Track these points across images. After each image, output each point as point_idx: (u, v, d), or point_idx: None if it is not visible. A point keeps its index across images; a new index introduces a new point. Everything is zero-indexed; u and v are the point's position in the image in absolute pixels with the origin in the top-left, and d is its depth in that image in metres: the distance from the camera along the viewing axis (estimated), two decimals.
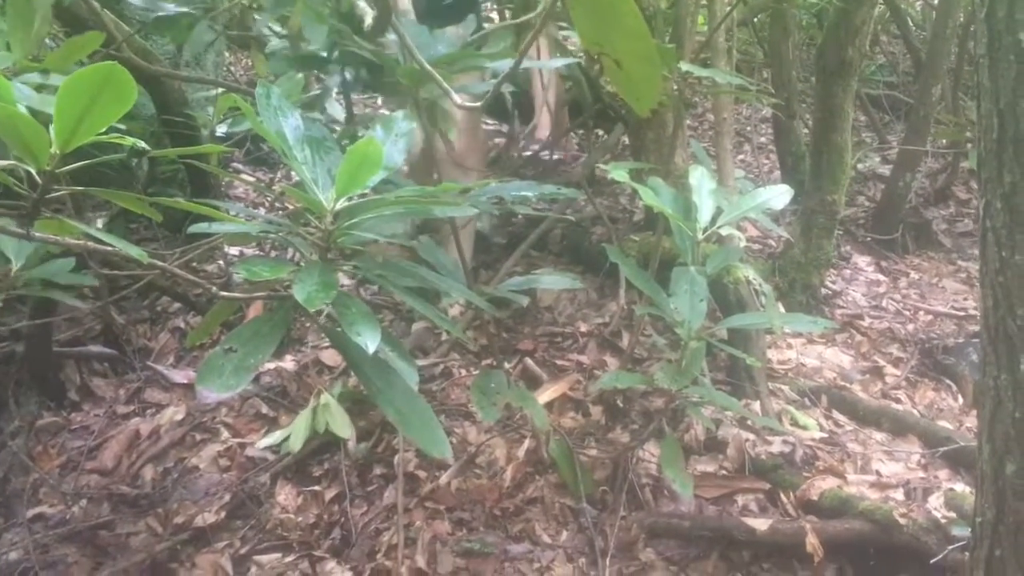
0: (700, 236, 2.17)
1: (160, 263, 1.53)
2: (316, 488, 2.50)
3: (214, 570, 2.23)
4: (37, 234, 1.38)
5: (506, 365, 2.88)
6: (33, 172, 1.26)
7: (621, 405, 2.76)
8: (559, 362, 3.04)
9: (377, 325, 1.48)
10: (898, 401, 2.92)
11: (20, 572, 2.18)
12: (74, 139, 1.23)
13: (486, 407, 2.17)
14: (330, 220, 1.57)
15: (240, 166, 4.58)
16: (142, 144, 1.22)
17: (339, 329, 1.52)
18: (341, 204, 1.57)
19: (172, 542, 2.28)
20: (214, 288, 1.55)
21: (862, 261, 4.11)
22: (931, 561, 1.96)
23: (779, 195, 2.26)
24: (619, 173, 2.28)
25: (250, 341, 1.48)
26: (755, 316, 2.47)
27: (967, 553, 1.73)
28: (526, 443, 2.58)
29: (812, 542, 2.07)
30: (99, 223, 3.20)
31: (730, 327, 2.47)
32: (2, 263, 1.95)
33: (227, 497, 2.42)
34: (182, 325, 3.23)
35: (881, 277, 3.97)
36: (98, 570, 2.20)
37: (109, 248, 1.42)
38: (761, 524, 2.17)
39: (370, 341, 1.45)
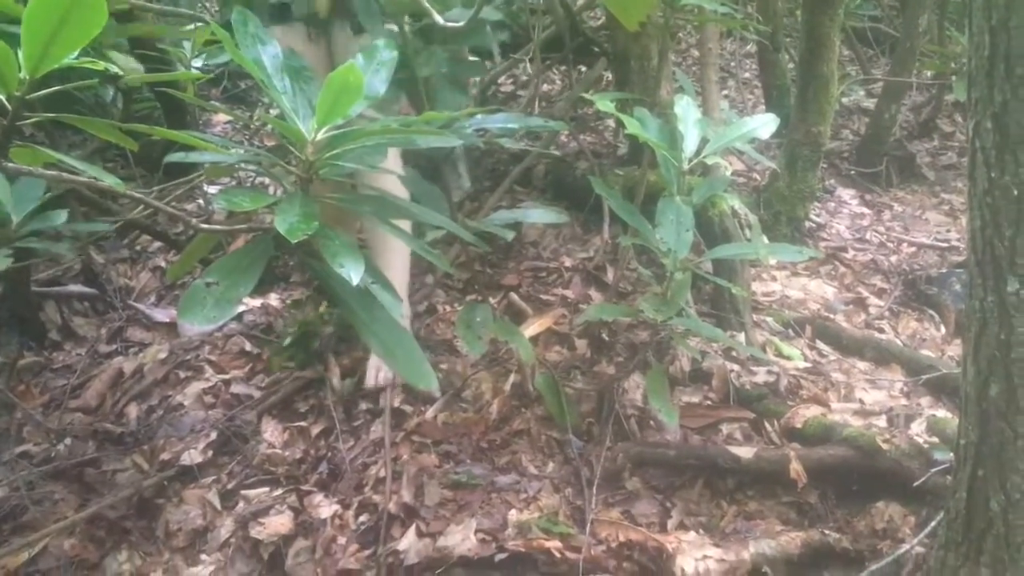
0: (686, 166, 2.15)
1: (137, 194, 1.50)
2: (302, 424, 2.50)
3: (201, 504, 2.24)
4: (10, 164, 1.35)
5: (491, 300, 2.88)
6: (2, 98, 1.22)
7: (606, 338, 2.76)
8: (544, 297, 3.03)
9: (360, 256, 1.47)
10: (881, 331, 2.94)
11: (8, 509, 2.18)
12: (44, 63, 1.19)
13: (472, 341, 2.17)
14: (311, 151, 1.54)
15: (218, 104, 4.50)
16: (115, 68, 1.18)
17: (322, 262, 1.50)
18: (322, 134, 1.54)
19: (159, 478, 2.28)
20: (193, 220, 1.53)
21: (846, 194, 4.10)
22: (914, 484, 1.99)
23: (765, 124, 2.24)
24: (604, 103, 2.25)
25: (231, 274, 1.46)
26: (740, 247, 2.46)
27: (949, 476, 1.75)
28: (512, 377, 2.58)
29: (796, 468, 2.09)
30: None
31: (715, 258, 2.47)
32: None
33: (213, 434, 2.42)
34: (163, 264, 3.19)
35: (865, 210, 3.97)
36: (85, 506, 2.20)
37: (84, 180, 1.39)
38: (745, 452, 2.18)
39: (354, 273, 1.43)
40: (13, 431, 2.43)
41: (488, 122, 2.15)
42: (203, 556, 2.14)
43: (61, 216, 2.38)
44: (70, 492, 2.27)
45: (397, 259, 2.57)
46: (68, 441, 2.43)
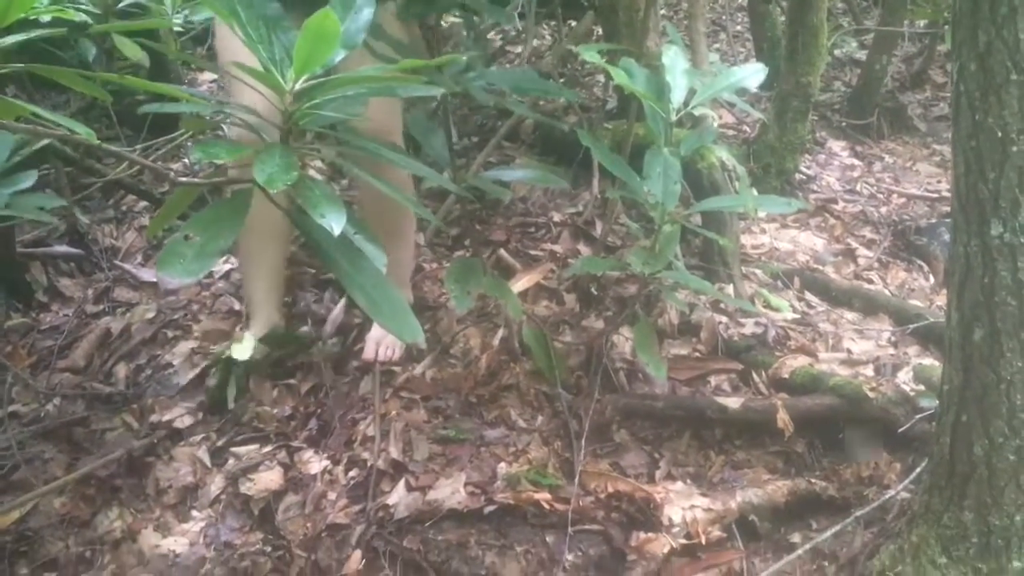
0: (673, 117, 2.13)
1: (115, 148, 1.48)
2: (291, 381, 2.50)
3: (192, 462, 2.25)
4: None
5: (480, 256, 2.87)
6: None
7: (595, 292, 2.76)
8: (532, 252, 3.03)
9: (342, 207, 1.45)
10: (870, 282, 2.95)
11: None
12: (11, 10, 1.17)
13: (460, 296, 2.15)
14: (289, 100, 1.52)
15: (200, 60, 4.45)
16: (82, 16, 1.16)
17: (304, 214, 1.48)
18: (300, 84, 1.51)
19: (149, 437, 2.28)
20: (172, 173, 1.51)
21: (837, 146, 4.08)
22: (899, 431, 2.00)
23: (754, 74, 2.21)
24: (591, 54, 2.22)
25: (211, 227, 1.44)
26: (729, 199, 2.45)
27: (934, 422, 1.76)
28: (500, 332, 2.57)
29: (783, 418, 2.10)
30: None
31: (704, 211, 2.46)
32: None
33: (202, 393, 2.42)
34: (148, 224, 3.17)
35: (856, 161, 3.95)
36: (75, 465, 2.21)
37: (58, 133, 1.37)
38: (733, 402, 2.19)
39: (335, 223, 1.41)
40: (2, 392, 2.42)
41: (501, 79, 2.12)
42: (194, 512, 2.15)
43: (30, 178, 2.30)
44: (60, 451, 2.27)
45: (403, 249, 2.53)
46: (57, 401, 2.42)
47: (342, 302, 2.70)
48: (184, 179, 1.49)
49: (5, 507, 2.06)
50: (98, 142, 1.30)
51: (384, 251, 1.59)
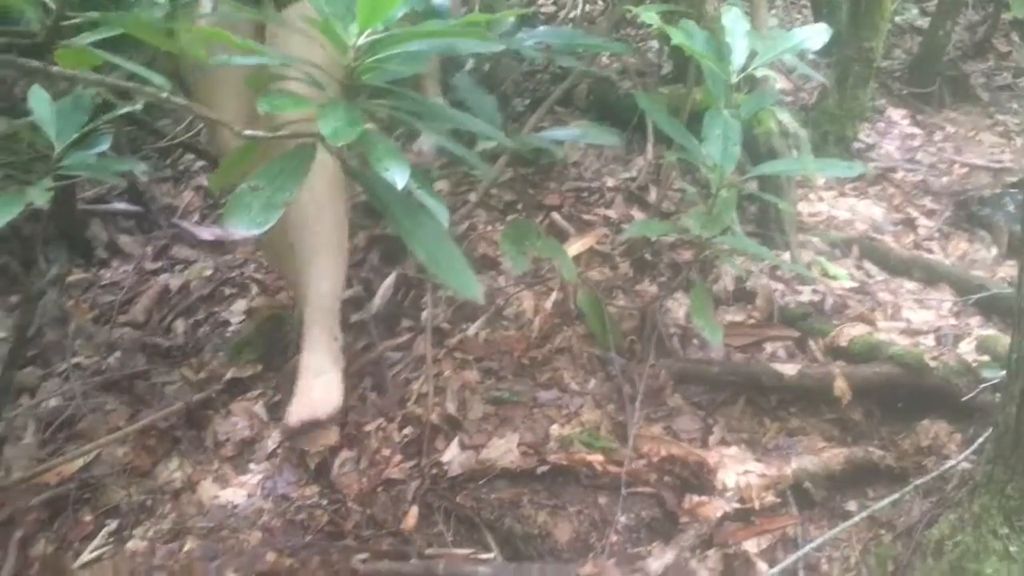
0: (733, 79, 2.10)
1: (182, 100, 1.50)
2: (346, 339, 2.52)
3: (249, 416, 2.28)
4: (55, 68, 1.34)
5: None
6: None
7: (649, 258, 2.74)
8: (586, 217, 3.01)
9: (406, 161, 1.45)
10: (930, 252, 2.89)
11: (62, 418, 2.23)
12: None
13: (516, 257, 2.15)
14: (352, 56, 1.52)
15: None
16: None
17: (366, 168, 1.49)
18: (363, 39, 1.51)
19: (207, 391, 2.32)
20: (236, 127, 1.51)
21: (897, 114, 4.00)
22: (961, 400, 1.96)
23: (816, 34, 2.17)
24: (649, 15, 2.19)
25: (276, 178, 1.45)
26: (788, 163, 2.41)
27: (998, 393, 1.73)
28: (553, 295, 2.57)
29: (840, 385, 2.08)
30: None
31: (762, 175, 2.42)
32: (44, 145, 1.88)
33: (258, 348, 2.45)
34: (205, 183, 3.21)
35: (916, 130, 3.87)
36: (136, 416, 2.25)
37: (130, 85, 1.38)
38: (789, 369, 2.17)
39: (399, 177, 1.42)
40: (65, 345, 2.48)
41: (550, 36, 2.10)
42: (251, 465, 2.19)
43: (105, 142, 2.33)
44: (122, 403, 2.32)
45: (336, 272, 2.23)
46: (118, 354, 2.48)
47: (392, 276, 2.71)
48: (248, 132, 1.50)
49: (69, 455, 2.11)
50: (168, 93, 1.31)
51: (445, 207, 1.59)
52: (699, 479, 2.01)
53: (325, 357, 2.17)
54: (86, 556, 1.96)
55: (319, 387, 2.13)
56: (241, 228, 1.41)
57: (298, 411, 2.08)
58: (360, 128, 1.38)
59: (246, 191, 1.41)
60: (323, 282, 2.16)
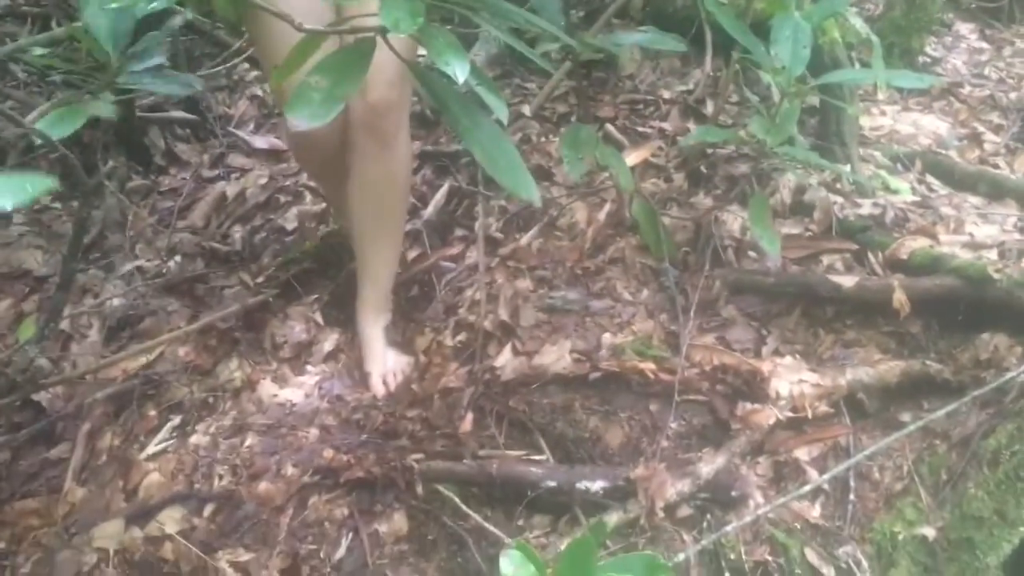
0: None
1: None
2: None
3: (305, 320, 2.32)
4: None
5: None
6: None
7: (704, 171, 2.70)
8: (641, 129, 2.97)
9: (466, 56, 1.43)
10: (996, 167, 2.81)
11: (125, 318, 2.29)
12: None
13: (573, 161, 2.13)
14: None
15: None
16: None
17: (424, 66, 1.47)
18: None
19: (264, 295, 2.36)
20: (296, 21, 1.50)
21: (964, 28, 3.85)
22: None
23: None
24: None
25: (336, 71, 1.44)
26: (856, 72, 2.34)
27: None
28: (607, 206, 2.56)
29: (899, 297, 2.05)
30: None
31: (828, 82, 2.35)
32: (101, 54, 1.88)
33: (312, 253, 2.48)
34: (260, 93, 3.21)
35: (984, 45, 3.73)
36: (196, 318, 2.30)
37: None
38: (847, 281, 2.14)
39: (459, 71, 1.40)
40: (127, 248, 2.53)
41: None
42: (308, 367, 2.23)
43: (160, 54, 2.31)
44: (183, 305, 2.37)
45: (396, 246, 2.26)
46: (178, 258, 2.52)
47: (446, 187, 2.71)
48: (309, 26, 1.49)
49: (133, 351, 2.17)
50: None
51: (505, 103, 1.57)
52: (752, 388, 2.01)
53: (384, 330, 2.23)
54: (151, 449, 2.03)
55: (391, 354, 2.21)
56: (303, 121, 1.41)
57: (382, 380, 2.17)
58: (421, 19, 1.36)
59: (308, 85, 1.41)
60: (387, 273, 2.22)
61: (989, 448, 1.74)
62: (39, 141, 1.68)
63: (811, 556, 1.76)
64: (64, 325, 2.23)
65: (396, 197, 2.13)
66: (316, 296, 2.40)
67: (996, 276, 1.99)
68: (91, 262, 2.52)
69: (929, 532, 1.72)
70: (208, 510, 1.91)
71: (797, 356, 2.08)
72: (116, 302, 2.30)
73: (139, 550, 1.83)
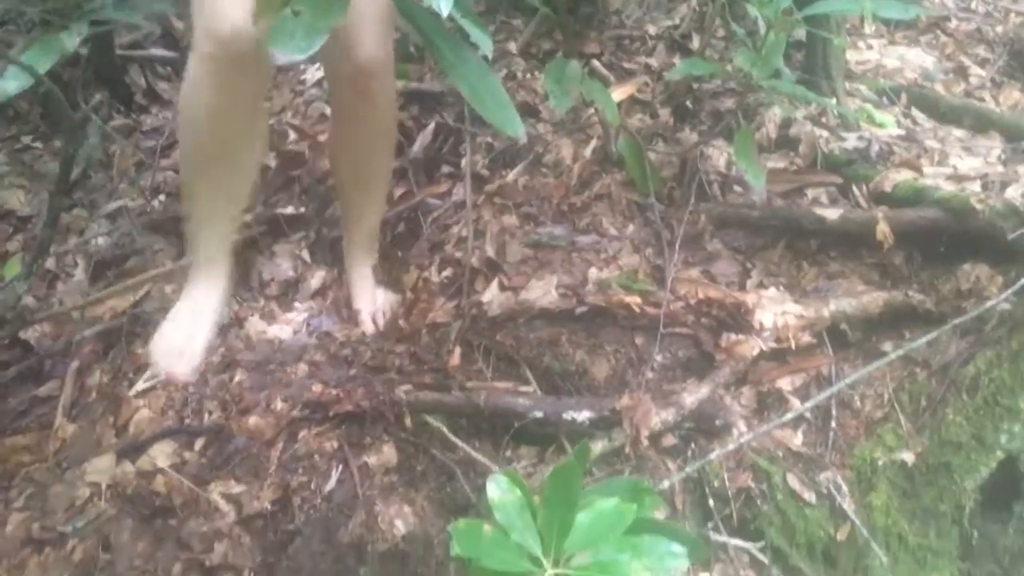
0: None
1: None
2: None
3: (292, 257, 2.32)
4: None
5: None
6: None
7: (690, 106, 2.70)
8: (627, 65, 2.95)
9: None
10: (981, 100, 2.81)
11: (111, 257, 2.29)
12: None
13: (559, 96, 2.12)
14: None
15: None
16: None
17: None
18: None
19: (251, 232, 2.35)
20: None
21: None
22: (1007, 240, 1.94)
23: None
24: None
25: (319, 3, 1.43)
26: (842, 2, 2.31)
27: None
28: (593, 142, 2.56)
29: (883, 229, 2.06)
30: None
31: (815, 14, 2.33)
32: None
33: (298, 191, 2.47)
34: None
35: None
36: (182, 256, 2.29)
37: None
38: (831, 213, 2.15)
39: (443, 4, 1.39)
40: (110, 187, 2.51)
41: None
42: (296, 304, 2.24)
43: None
44: (168, 244, 2.36)
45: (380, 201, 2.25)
46: (162, 198, 2.51)
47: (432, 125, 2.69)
48: None
49: (119, 288, 2.17)
50: None
51: (490, 36, 1.56)
52: (736, 320, 2.02)
53: (372, 269, 2.24)
54: (140, 386, 2.03)
55: (380, 293, 2.22)
56: (285, 54, 1.39)
57: (372, 319, 2.18)
58: None
59: (288, 17, 1.39)
60: (374, 216, 2.22)
61: (968, 375, 1.77)
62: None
63: (793, 482, 1.80)
64: (50, 264, 2.23)
65: (384, 150, 2.13)
66: (303, 234, 2.40)
67: (979, 207, 2.01)
68: (75, 202, 2.50)
69: (908, 457, 1.76)
70: (199, 444, 1.93)
71: (781, 288, 2.10)
72: (101, 241, 2.29)
73: (131, 484, 1.84)
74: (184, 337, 1.99)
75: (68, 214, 2.44)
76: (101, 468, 1.85)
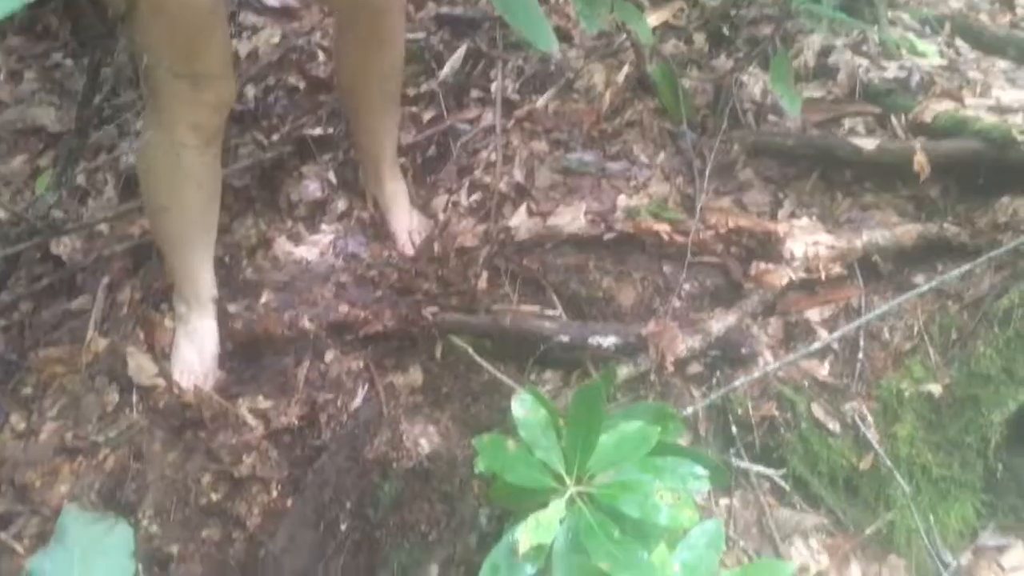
0: None
1: None
2: (413, 109, 2.51)
3: (319, 179, 2.32)
4: None
5: None
6: None
7: (726, 32, 2.63)
8: None
9: None
10: None
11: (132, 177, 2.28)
12: None
13: (588, 16, 2.06)
14: None
15: None
16: None
17: None
18: None
19: (278, 151, 2.35)
20: None
21: None
22: None
23: None
24: None
25: None
26: None
27: None
28: (625, 68, 2.51)
29: (920, 160, 2.01)
30: None
31: None
32: None
33: (326, 113, 2.46)
34: None
35: None
36: None
37: None
38: (868, 143, 2.10)
39: None
40: (140, 105, 2.50)
41: None
42: (323, 226, 2.24)
43: None
44: None
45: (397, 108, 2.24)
46: None
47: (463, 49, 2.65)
48: None
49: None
50: None
51: None
52: (766, 249, 2.00)
53: (406, 187, 2.25)
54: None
55: (415, 214, 2.23)
56: None
57: (409, 239, 2.19)
58: None
59: None
60: (396, 129, 2.23)
61: (1001, 308, 1.74)
62: None
63: (817, 412, 1.79)
64: (80, 181, 2.25)
65: (396, 80, 2.14)
66: (330, 156, 2.39)
67: (1020, 139, 1.95)
68: (104, 120, 2.50)
69: (935, 389, 1.75)
70: (227, 362, 1.96)
71: (813, 218, 2.07)
72: (131, 159, 2.29)
73: (163, 397, 1.88)
74: (196, 356, 1.97)
75: (98, 132, 2.45)
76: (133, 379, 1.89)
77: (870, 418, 1.77)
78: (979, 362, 1.72)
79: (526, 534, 1.26)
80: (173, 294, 2.00)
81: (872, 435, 1.74)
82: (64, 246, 2.11)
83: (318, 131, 2.40)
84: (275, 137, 2.41)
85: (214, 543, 1.73)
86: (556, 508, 1.30)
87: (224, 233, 2.19)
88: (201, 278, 1.96)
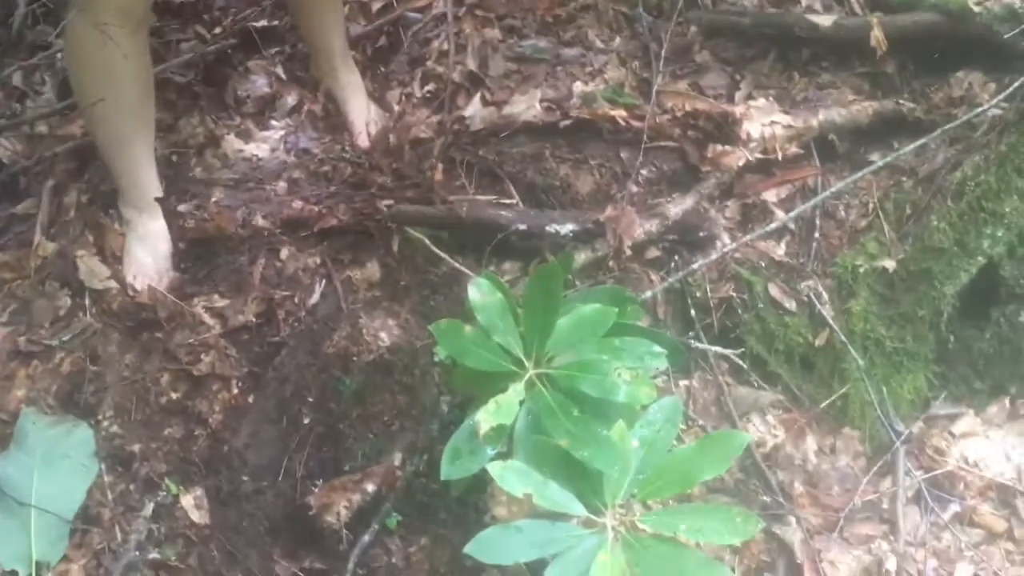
0: None
1: None
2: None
3: (267, 74, 2.25)
4: None
5: None
6: None
7: None
8: None
9: None
10: None
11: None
12: None
13: None
14: None
15: None
16: None
17: None
18: None
19: (221, 45, 2.27)
20: None
21: None
22: (1003, 39, 1.87)
23: None
24: None
25: None
26: None
27: None
28: None
29: (877, 36, 1.99)
30: None
31: None
32: None
33: (270, 4, 2.37)
34: None
35: None
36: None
37: None
38: (824, 20, 2.08)
39: None
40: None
41: None
42: (273, 121, 2.18)
43: None
44: None
45: None
46: None
47: None
48: None
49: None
50: None
51: None
52: (723, 131, 1.99)
53: (360, 77, 2.19)
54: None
55: (372, 105, 2.16)
56: None
57: (366, 131, 2.12)
58: None
59: None
60: (343, 20, 2.17)
61: (955, 181, 1.75)
62: None
63: (774, 291, 1.82)
64: (17, 81, 2.16)
65: None
66: (277, 49, 2.31)
67: (977, 10, 1.93)
68: (38, 18, 2.39)
69: (889, 264, 1.77)
70: (181, 262, 1.93)
71: (770, 99, 2.05)
72: None
73: (116, 300, 1.85)
74: (150, 258, 1.91)
75: (32, 31, 2.34)
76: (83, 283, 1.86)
77: (825, 295, 1.79)
78: (932, 236, 1.73)
79: (486, 417, 1.27)
80: (119, 201, 1.94)
81: (827, 312, 1.76)
82: (4, 148, 2.04)
83: (263, 23, 2.31)
84: (217, 30, 2.32)
85: (176, 441, 1.73)
86: (516, 390, 1.31)
87: (170, 132, 2.13)
88: (145, 179, 1.90)
